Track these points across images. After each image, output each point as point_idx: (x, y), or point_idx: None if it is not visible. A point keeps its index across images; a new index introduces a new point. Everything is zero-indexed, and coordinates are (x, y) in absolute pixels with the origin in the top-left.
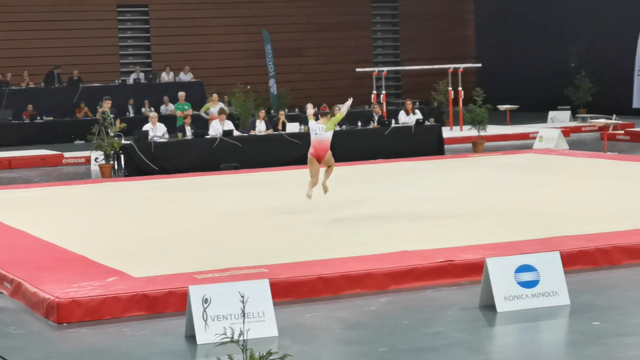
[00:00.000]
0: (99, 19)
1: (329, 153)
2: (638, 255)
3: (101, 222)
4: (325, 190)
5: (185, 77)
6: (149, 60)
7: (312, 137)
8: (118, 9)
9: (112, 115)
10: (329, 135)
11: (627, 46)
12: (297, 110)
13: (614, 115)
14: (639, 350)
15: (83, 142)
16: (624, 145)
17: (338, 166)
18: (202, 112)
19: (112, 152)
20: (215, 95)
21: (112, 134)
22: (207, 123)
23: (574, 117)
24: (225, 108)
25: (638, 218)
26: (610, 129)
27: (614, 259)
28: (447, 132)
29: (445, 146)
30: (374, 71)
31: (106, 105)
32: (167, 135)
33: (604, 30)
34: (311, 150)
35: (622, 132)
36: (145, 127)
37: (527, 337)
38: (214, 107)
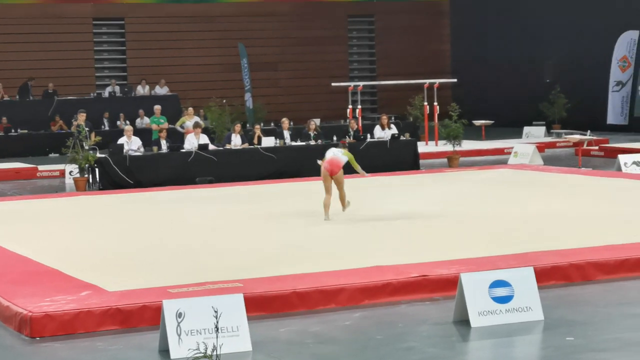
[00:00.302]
0: (74, 32)
1: (341, 172)
2: (611, 271)
3: (75, 235)
4: (345, 207)
5: (161, 90)
6: (125, 74)
7: (329, 155)
8: (94, 22)
9: (87, 129)
10: (344, 159)
11: (601, 62)
12: (272, 124)
13: (589, 131)
14: None
15: (58, 155)
16: (598, 161)
17: (315, 180)
18: (177, 126)
19: (87, 165)
20: (190, 109)
21: (87, 147)
22: (183, 137)
23: (548, 132)
24: (201, 122)
25: (611, 234)
26: (585, 144)
27: (588, 274)
28: (422, 147)
29: (421, 161)
30: (350, 86)
31: (81, 118)
32: (142, 149)
33: (579, 47)
34: (326, 165)
35: (597, 147)
36: (121, 141)
37: (501, 353)
38: (190, 120)
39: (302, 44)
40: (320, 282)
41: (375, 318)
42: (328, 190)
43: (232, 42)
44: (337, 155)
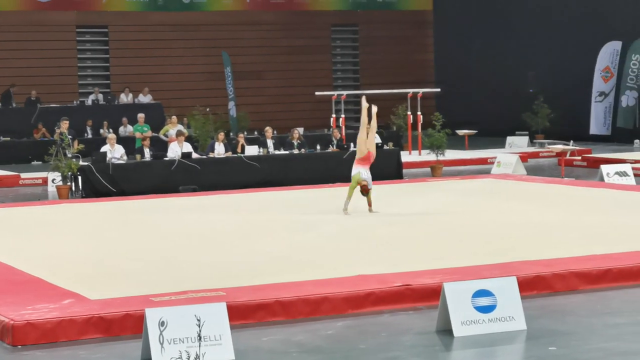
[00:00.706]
0: (57, 40)
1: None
2: (594, 281)
3: (58, 244)
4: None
5: (144, 98)
6: (108, 82)
7: (364, 175)
8: (77, 30)
9: (70, 136)
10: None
11: (584, 73)
12: (256, 133)
13: (572, 141)
14: None
15: (40, 163)
16: (581, 171)
17: (298, 189)
18: (161, 135)
19: (69, 173)
20: (174, 118)
21: (69, 155)
22: (167, 145)
23: (531, 142)
24: (184, 130)
25: (594, 244)
26: (568, 154)
27: (571, 284)
28: (405, 157)
29: (404, 170)
30: (334, 95)
31: (64, 126)
32: (125, 157)
33: (562, 57)
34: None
35: (579, 158)
36: (104, 149)
37: None
38: (173, 129)
39: (286, 53)
40: (304, 292)
41: (359, 327)
42: (351, 191)
43: (216, 51)
44: (366, 177)
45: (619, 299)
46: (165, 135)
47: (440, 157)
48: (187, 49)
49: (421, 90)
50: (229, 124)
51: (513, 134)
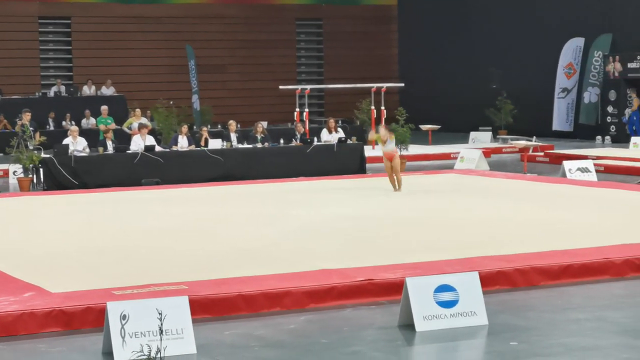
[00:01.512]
0: (20, 30)
1: (397, 158)
2: (555, 276)
3: (19, 236)
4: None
5: (107, 91)
6: (71, 74)
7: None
8: (39, 21)
9: (31, 128)
10: (392, 147)
11: (547, 69)
12: (219, 126)
13: (534, 137)
14: None
15: (1, 154)
16: (544, 167)
17: (262, 183)
18: (124, 127)
19: (31, 165)
20: (138, 110)
21: (31, 147)
22: (130, 138)
23: (495, 138)
24: (148, 122)
25: (556, 239)
26: (531, 150)
27: (532, 279)
28: (369, 151)
29: (367, 165)
30: (297, 89)
31: (26, 117)
32: (87, 150)
33: (526, 53)
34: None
35: (542, 154)
36: (66, 141)
37: (445, 357)
38: (137, 122)
39: (249, 47)
40: (266, 286)
41: (321, 322)
42: (388, 170)
43: (179, 44)
44: (388, 146)
45: (579, 295)
46: (129, 128)
47: (404, 152)
48: (151, 41)
49: (385, 85)
50: (192, 117)
51: (476, 130)
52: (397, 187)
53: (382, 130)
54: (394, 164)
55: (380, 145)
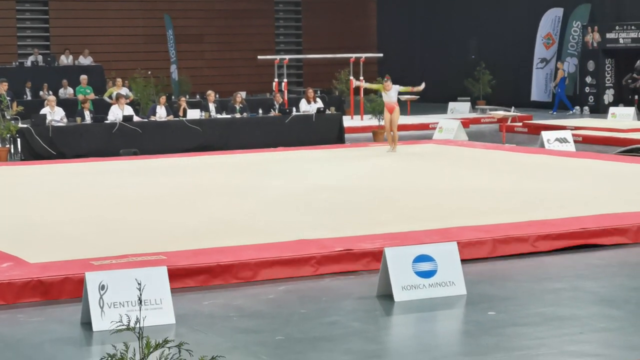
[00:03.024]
0: None
1: (396, 112)
2: (534, 246)
3: None
4: (393, 147)
5: (85, 61)
6: (48, 43)
7: (385, 99)
8: None
9: (8, 98)
10: (394, 97)
11: (526, 39)
12: (198, 96)
13: (513, 108)
14: (533, 340)
15: None
16: (522, 137)
17: (240, 153)
18: (106, 97)
19: (8, 135)
20: (119, 80)
21: (8, 117)
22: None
23: (473, 108)
24: (128, 92)
25: (534, 209)
26: (509, 121)
27: (510, 249)
28: (347, 121)
29: (346, 135)
30: (276, 59)
31: (2, 87)
32: (65, 120)
33: (504, 24)
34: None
35: (520, 124)
36: (43, 111)
37: (423, 327)
38: (119, 91)
39: (227, 17)
40: (244, 256)
41: (299, 292)
42: (387, 123)
43: (157, 13)
44: (390, 97)
45: (557, 265)
46: (110, 98)
47: (382, 122)
48: (128, 10)
49: (363, 55)
50: (170, 88)
51: (455, 100)
52: (392, 146)
53: (388, 81)
54: (393, 117)
55: (383, 95)
